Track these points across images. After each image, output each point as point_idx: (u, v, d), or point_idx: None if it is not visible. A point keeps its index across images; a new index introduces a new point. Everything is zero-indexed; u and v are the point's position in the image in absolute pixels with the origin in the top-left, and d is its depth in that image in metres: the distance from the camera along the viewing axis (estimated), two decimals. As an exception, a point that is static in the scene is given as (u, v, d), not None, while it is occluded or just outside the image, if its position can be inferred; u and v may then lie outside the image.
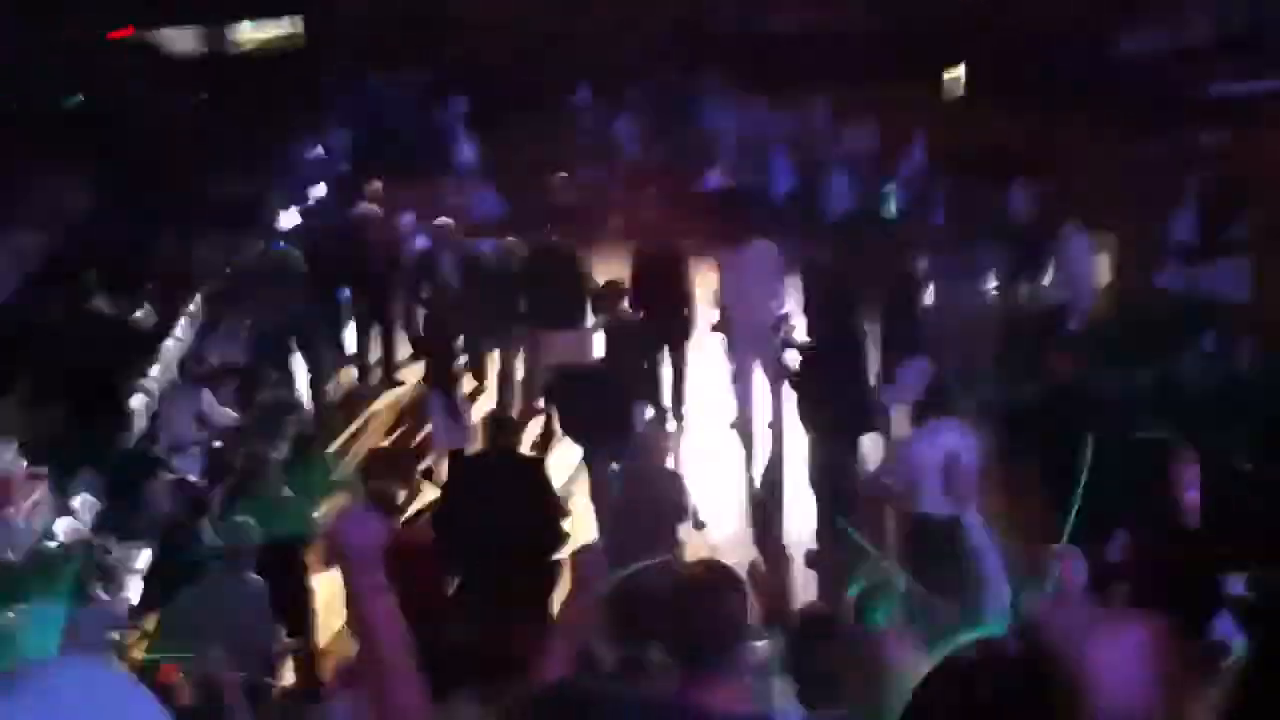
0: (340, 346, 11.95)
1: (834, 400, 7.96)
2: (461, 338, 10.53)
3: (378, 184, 12.43)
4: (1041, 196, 10.54)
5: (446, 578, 7.06)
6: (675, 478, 7.20)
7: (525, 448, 9.22)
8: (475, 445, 8.58)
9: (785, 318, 8.84)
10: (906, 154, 13.84)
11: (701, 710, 2.75)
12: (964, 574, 6.32)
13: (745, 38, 19.87)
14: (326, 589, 7.30)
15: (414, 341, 11.56)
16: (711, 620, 2.84)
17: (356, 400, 11.47)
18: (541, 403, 10.01)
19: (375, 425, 10.97)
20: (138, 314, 11.08)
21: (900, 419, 9.07)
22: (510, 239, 10.93)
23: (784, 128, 15.60)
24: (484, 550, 6.75)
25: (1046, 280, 9.69)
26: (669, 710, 2.76)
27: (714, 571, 3.03)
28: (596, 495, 7.71)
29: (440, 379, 9.64)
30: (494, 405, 10.38)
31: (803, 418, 8.40)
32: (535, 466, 7.65)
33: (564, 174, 12.54)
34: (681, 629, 2.86)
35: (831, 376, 7.96)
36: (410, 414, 11.01)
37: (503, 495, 6.98)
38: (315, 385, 11.08)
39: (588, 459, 8.49)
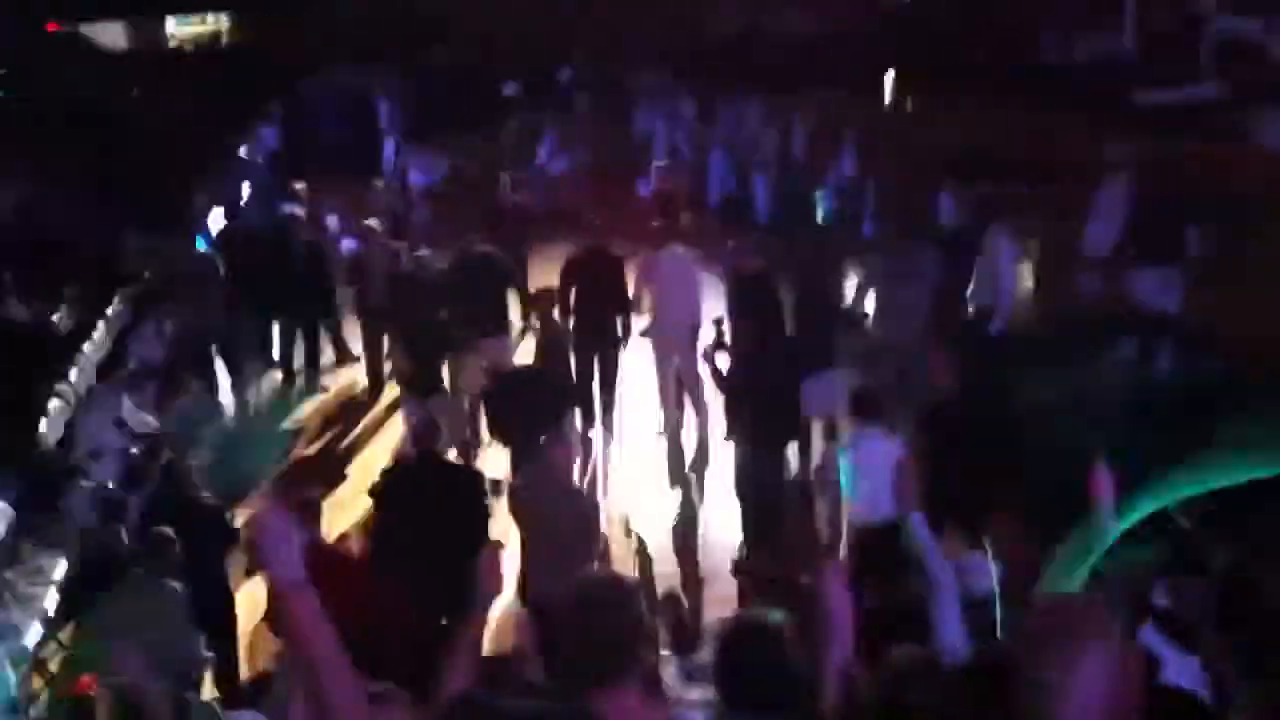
0: (264, 351, 11.76)
1: (762, 407, 7.96)
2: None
3: (305, 186, 12.29)
4: (973, 199, 10.65)
5: (378, 585, 6.97)
6: (574, 496, 7.10)
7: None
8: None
9: (718, 322, 8.82)
10: (838, 158, 13.91)
11: None
12: (912, 578, 6.37)
13: (688, 39, 19.93)
14: (248, 597, 7.19)
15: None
16: (606, 633, 2.95)
17: (280, 406, 11.30)
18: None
19: (302, 431, 10.80)
20: (55, 316, 10.83)
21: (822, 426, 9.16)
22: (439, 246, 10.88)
23: (720, 130, 15.65)
24: (415, 557, 6.68)
25: (972, 285, 9.74)
26: None
27: (608, 585, 3.13)
28: (512, 506, 7.65)
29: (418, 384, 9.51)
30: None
31: (730, 424, 8.40)
32: (467, 474, 7.59)
33: (503, 174, 12.47)
34: (578, 641, 2.97)
35: (760, 383, 7.96)
36: (336, 420, 10.87)
37: (434, 503, 6.91)
38: (237, 390, 10.92)
39: (514, 464, 8.42)
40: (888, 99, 17.39)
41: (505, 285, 10.06)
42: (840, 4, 19.54)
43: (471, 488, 7.18)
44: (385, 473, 7.33)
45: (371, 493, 7.16)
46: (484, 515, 7.03)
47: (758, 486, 8.08)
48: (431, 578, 6.40)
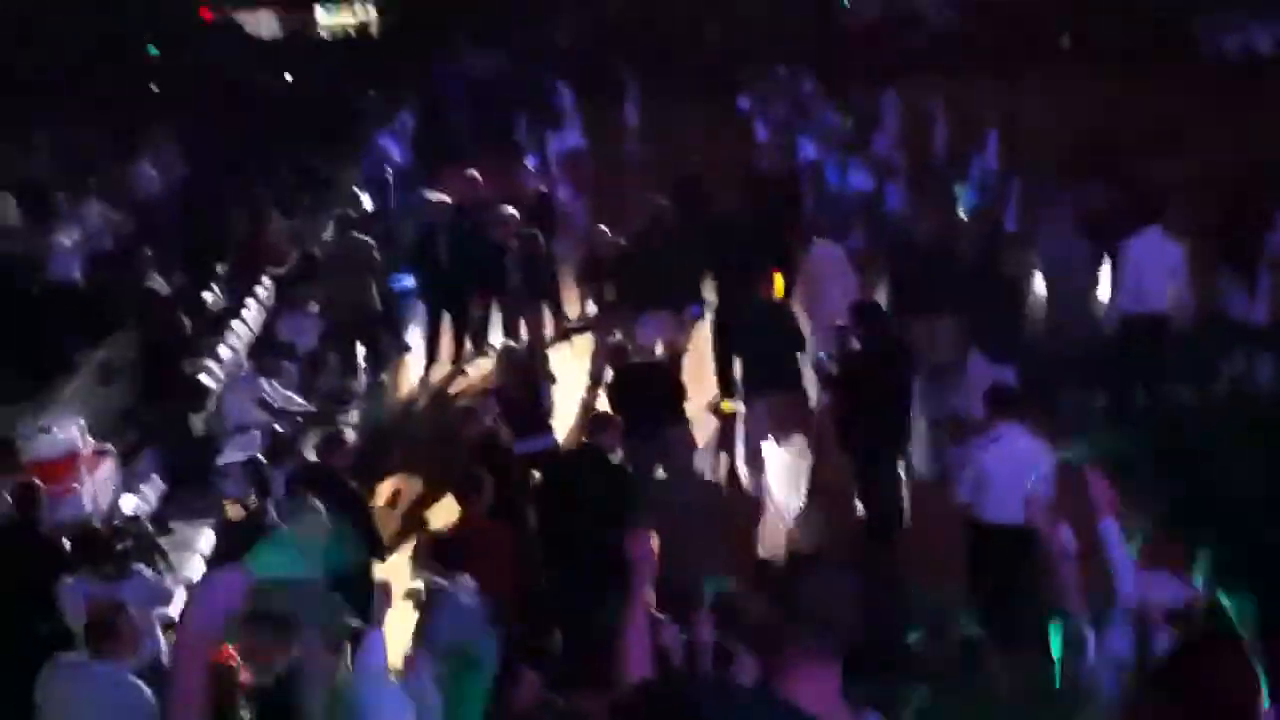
0: (400, 335, 11.96)
1: (877, 411, 7.84)
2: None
3: (458, 170, 12.49)
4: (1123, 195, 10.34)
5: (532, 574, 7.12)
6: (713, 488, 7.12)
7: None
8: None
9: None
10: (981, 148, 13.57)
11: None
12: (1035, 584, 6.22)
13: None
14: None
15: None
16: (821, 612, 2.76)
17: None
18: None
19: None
20: (206, 294, 11.18)
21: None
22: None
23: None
24: (573, 542, 6.81)
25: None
26: (766, 705, 2.70)
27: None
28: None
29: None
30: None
31: (846, 428, 8.26)
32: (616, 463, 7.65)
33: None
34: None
35: (879, 387, 7.85)
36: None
37: (589, 492, 7.03)
38: (374, 373, 11.14)
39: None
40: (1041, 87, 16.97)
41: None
42: None
43: (621, 474, 7.28)
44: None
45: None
46: (634, 502, 7.10)
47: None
48: (589, 563, 6.49)
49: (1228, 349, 9.11)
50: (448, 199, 11.76)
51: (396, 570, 7.10)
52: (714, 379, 10.28)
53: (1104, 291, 9.98)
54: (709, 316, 10.55)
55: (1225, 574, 5.21)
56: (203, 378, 9.62)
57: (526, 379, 9.03)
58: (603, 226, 11.53)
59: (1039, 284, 10.49)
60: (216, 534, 8.15)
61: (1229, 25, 22.18)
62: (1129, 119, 14.56)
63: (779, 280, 9.64)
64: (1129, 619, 4.34)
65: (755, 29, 21.63)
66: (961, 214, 11.83)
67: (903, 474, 8.20)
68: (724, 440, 9.91)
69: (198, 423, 9.37)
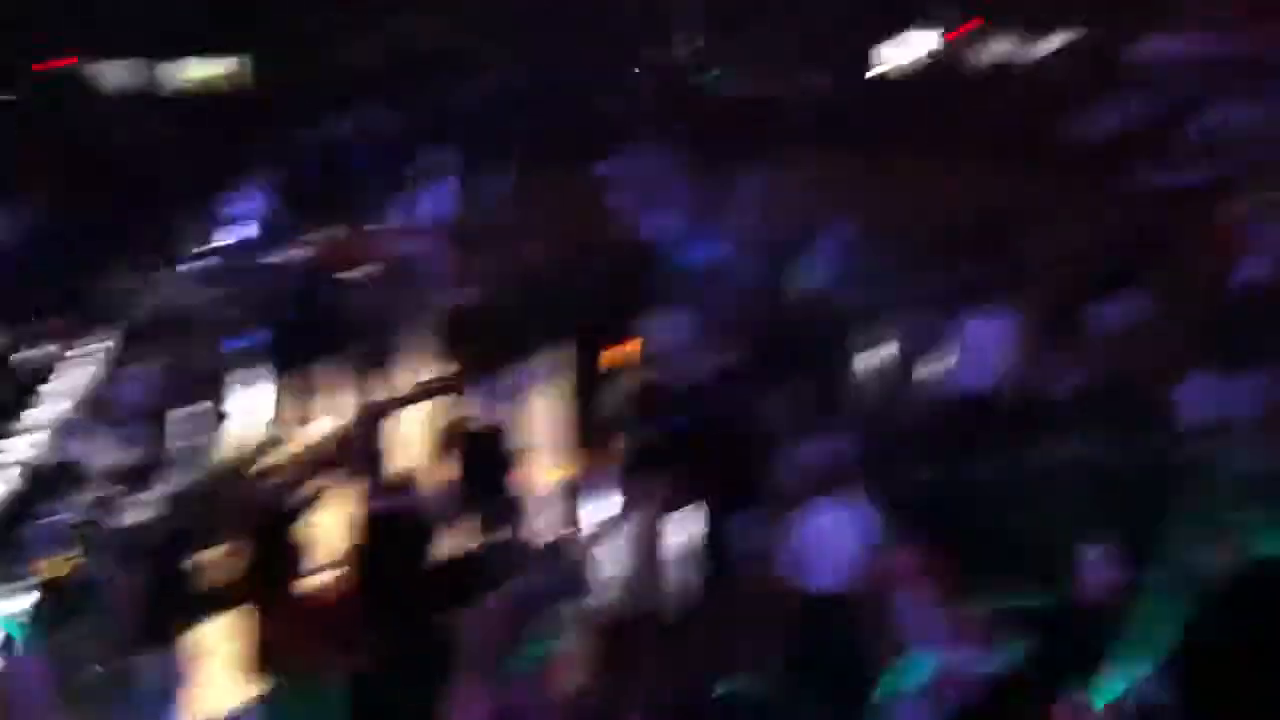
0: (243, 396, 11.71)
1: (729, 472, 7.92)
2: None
3: (317, 229, 12.37)
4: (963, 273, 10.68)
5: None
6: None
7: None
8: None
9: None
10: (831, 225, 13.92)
11: None
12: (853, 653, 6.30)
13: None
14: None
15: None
16: None
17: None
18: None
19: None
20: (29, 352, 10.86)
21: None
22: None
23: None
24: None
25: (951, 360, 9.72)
26: None
27: None
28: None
29: None
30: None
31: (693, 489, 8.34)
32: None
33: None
34: None
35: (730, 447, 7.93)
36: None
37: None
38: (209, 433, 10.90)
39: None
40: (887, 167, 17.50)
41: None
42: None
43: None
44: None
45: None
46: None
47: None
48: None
49: (1055, 425, 9.42)
50: (299, 257, 11.65)
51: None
52: (564, 446, 10.27)
53: (948, 366, 10.27)
54: (561, 383, 10.57)
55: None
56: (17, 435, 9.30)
57: (375, 440, 8.95)
58: (456, 289, 11.51)
59: (885, 356, 10.83)
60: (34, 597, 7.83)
61: (1089, 109, 23.11)
62: (986, 197, 15.06)
63: (628, 349, 9.75)
64: (926, 691, 4.42)
65: (617, 99, 21.94)
66: (816, 286, 12.11)
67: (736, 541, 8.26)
68: (569, 507, 9.88)
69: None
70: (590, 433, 9.67)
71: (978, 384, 9.30)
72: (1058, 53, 28.21)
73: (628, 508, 9.07)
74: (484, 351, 10.29)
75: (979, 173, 17.97)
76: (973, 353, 9.46)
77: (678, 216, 14.63)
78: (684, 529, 8.50)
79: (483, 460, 8.51)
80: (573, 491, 9.92)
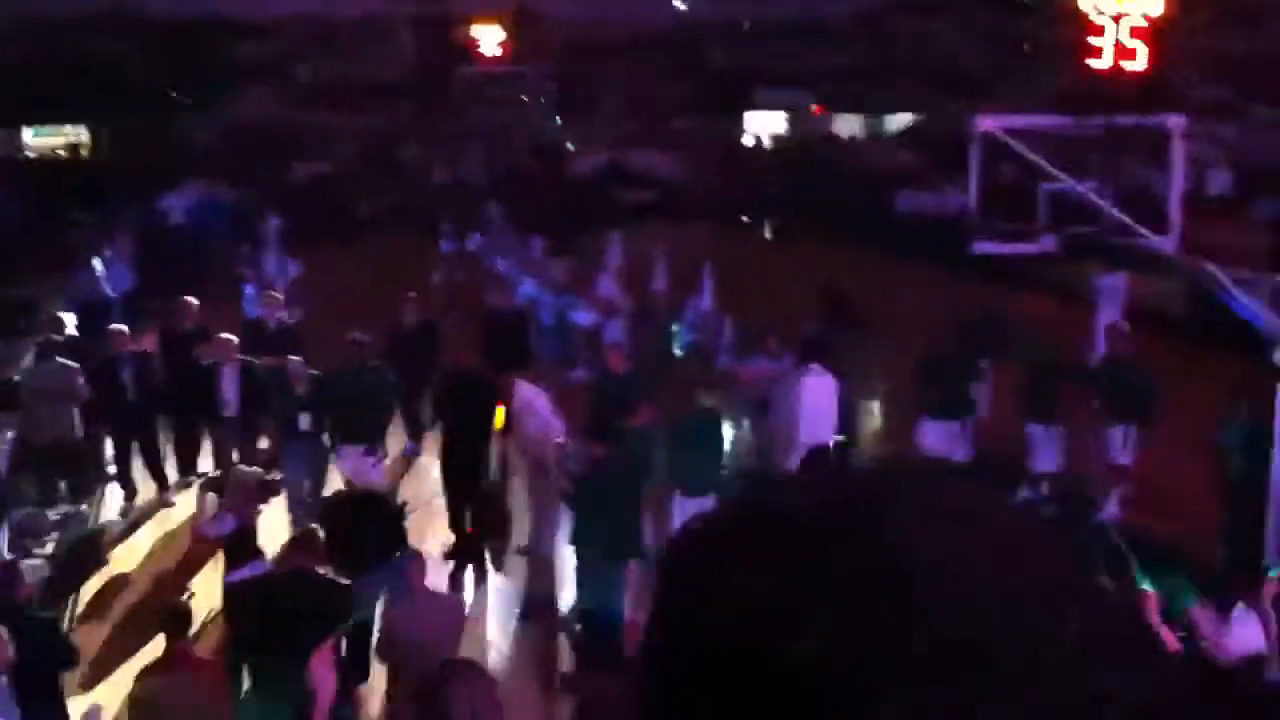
0: (103, 465, 11.39)
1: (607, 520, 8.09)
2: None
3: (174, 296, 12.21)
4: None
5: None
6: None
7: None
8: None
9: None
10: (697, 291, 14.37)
11: None
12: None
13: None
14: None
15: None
16: None
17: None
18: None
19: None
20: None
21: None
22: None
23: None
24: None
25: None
26: None
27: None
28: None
29: None
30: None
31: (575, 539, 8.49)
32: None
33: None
34: None
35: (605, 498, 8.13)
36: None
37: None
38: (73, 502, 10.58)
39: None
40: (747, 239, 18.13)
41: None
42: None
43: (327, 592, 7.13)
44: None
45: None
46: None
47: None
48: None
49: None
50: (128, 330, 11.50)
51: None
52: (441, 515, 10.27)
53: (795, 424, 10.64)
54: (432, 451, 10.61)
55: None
56: None
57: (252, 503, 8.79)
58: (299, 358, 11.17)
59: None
60: None
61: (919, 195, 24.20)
62: (828, 267, 15.63)
63: (499, 415, 9.85)
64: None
65: (478, 173, 22.23)
66: (677, 350, 12.45)
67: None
68: (456, 573, 9.84)
69: None
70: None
71: (817, 440, 9.68)
72: (900, 135, 29.59)
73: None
74: (337, 419, 10.26)
75: (824, 245, 18.75)
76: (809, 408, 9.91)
77: (542, 286, 14.87)
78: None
79: (359, 522, 8.43)
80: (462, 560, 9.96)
